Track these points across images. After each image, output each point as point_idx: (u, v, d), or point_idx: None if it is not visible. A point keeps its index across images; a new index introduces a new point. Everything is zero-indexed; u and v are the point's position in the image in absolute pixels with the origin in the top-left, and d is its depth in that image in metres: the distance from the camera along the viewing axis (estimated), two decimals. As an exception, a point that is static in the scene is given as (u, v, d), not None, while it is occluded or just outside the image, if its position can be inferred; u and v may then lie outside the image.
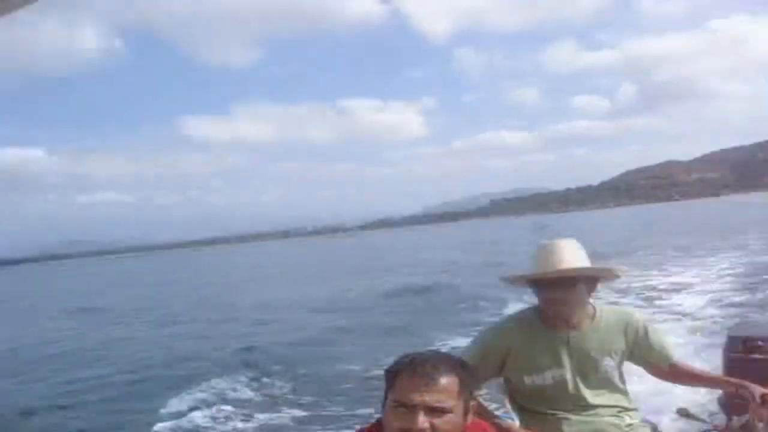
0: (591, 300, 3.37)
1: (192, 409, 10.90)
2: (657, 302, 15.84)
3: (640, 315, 3.51)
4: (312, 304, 25.66)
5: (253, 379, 12.53)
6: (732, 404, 3.30)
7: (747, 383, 3.20)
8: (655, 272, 21.63)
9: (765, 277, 18.09)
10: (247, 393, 11.71)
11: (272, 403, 11.10)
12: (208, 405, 11.03)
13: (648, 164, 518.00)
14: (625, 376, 3.46)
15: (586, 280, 3.23)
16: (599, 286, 3.34)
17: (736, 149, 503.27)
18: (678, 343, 10.09)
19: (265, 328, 20.25)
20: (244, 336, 18.49)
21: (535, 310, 3.38)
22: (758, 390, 3.11)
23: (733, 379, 3.41)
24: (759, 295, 15.33)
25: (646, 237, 45.17)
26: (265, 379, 12.52)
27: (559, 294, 3.18)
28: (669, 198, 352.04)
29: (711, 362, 4.34)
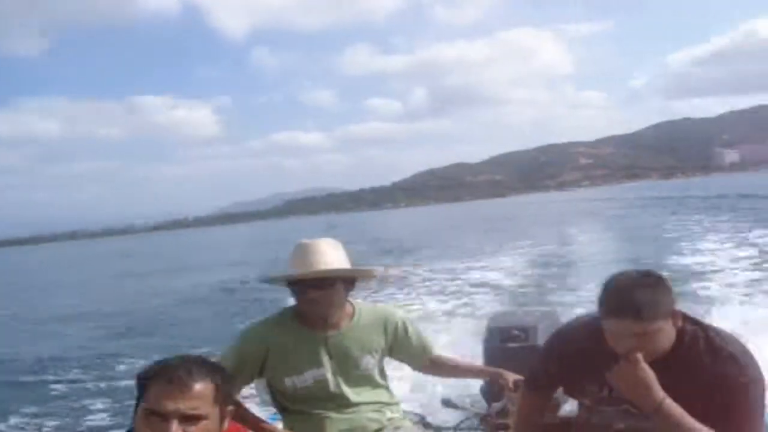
0: (350, 299, 3.39)
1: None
2: (447, 295, 16.23)
3: (400, 311, 3.60)
4: (109, 306, 24.87)
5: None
6: (491, 392, 3.45)
7: (502, 371, 3.41)
8: (446, 265, 22.33)
9: (544, 269, 19.31)
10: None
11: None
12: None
13: (438, 166, 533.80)
14: (388, 372, 3.54)
15: (344, 280, 3.25)
16: (358, 285, 3.37)
17: (520, 152, 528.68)
18: (452, 332, 10.48)
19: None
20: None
21: (294, 311, 3.37)
22: (512, 377, 3.32)
23: (490, 368, 3.62)
24: (530, 289, 16.16)
25: (438, 234, 46.55)
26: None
27: (316, 294, 3.17)
28: (458, 198, 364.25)
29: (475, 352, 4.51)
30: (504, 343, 4.19)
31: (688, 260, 18.31)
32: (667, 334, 2.41)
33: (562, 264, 19.93)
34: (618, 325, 2.36)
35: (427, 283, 18.37)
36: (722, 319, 10.63)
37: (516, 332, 4.16)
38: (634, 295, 2.32)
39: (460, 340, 9.37)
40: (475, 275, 19.27)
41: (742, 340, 2.58)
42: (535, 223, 45.49)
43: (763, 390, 2.44)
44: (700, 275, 15.77)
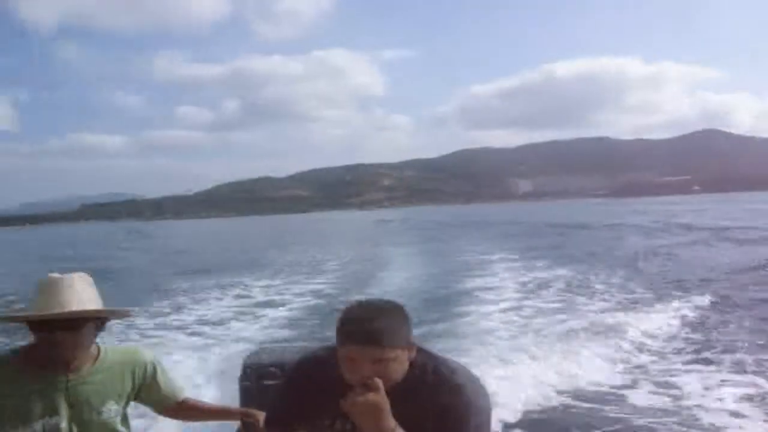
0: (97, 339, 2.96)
1: None
2: (210, 328, 14.10)
3: (149, 353, 3.21)
4: None
5: None
6: None
7: (251, 411, 3.26)
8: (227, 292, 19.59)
9: (341, 294, 18.05)
10: None
11: None
12: None
13: (243, 178, 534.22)
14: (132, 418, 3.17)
15: (94, 320, 2.81)
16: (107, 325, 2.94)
17: (326, 170, 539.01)
18: (208, 371, 9.43)
19: None
20: None
21: (26, 351, 2.85)
22: (261, 415, 3.09)
23: (239, 409, 3.43)
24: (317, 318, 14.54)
25: (237, 249, 45.43)
26: None
27: (64, 336, 2.70)
28: (260, 211, 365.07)
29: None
30: (261, 381, 3.86)
31: (477, 282, 18.62)
32: (402, 363, 2.38)
33: (363, 285, 19.26)
34: (358, 351, 2.30)
35: (187, 319, 15.49)
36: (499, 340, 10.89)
37: (273, 369, 3.86)
38: (375, 321, 2.29)
39: (217, 379, 8.76)
40: (260, 300, 17.56)
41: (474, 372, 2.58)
42: (337, 242, 45.52)
43: (488, 419, 2.47)
44: (483, 296, 16.03)
